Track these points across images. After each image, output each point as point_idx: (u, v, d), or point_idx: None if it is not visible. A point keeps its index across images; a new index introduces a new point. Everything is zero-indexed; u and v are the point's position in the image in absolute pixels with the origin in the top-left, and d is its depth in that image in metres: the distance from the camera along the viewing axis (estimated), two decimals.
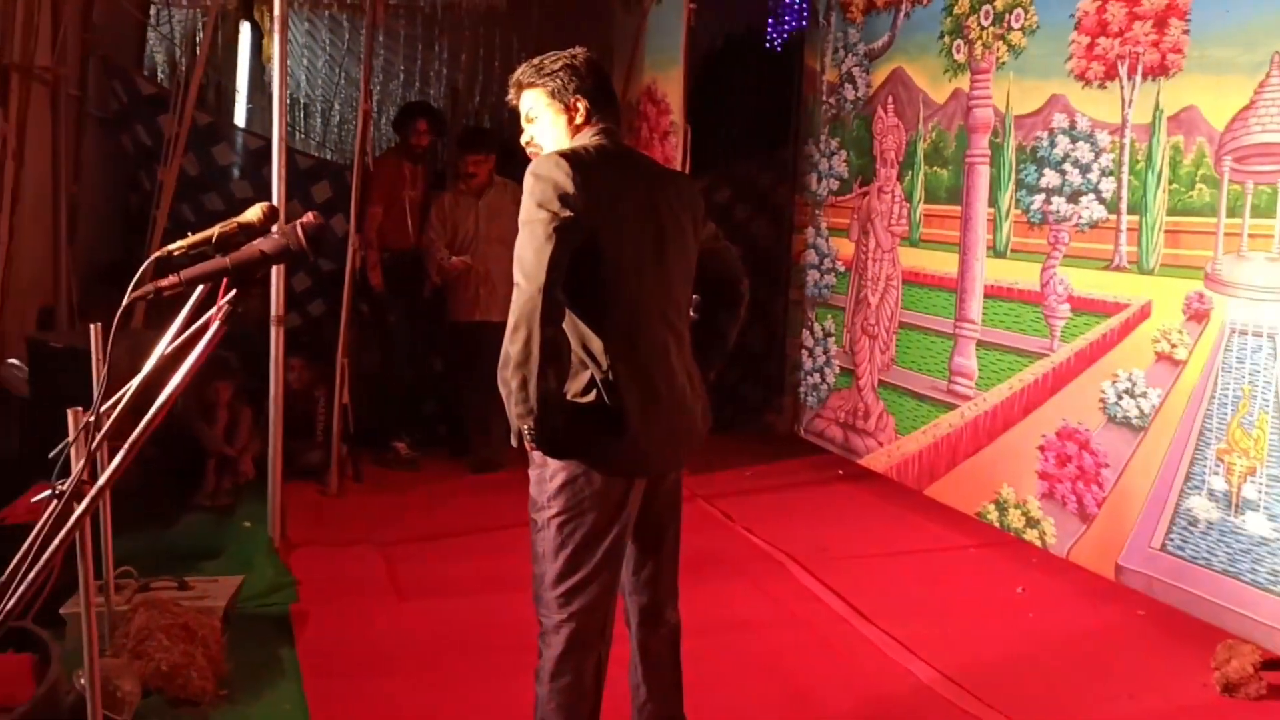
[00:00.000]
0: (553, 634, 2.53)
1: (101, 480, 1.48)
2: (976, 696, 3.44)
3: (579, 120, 2.59)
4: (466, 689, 3.46)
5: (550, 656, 2.53)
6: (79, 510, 1.47)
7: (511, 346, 2.33)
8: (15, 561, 1.59)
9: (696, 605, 3.04)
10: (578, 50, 2.65)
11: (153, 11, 7.07)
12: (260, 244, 1.59)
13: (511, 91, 2.66)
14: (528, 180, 2.40)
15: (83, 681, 2.58)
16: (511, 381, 2.34)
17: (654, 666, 2.78)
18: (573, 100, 2.58)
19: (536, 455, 2.51)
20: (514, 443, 2.42)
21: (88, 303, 5.62)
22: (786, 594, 4.37)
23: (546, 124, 2.61)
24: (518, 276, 2.34)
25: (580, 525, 2.49)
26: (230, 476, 5.27)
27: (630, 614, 2.77)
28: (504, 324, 2.36)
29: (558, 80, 2.58)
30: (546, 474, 2.52)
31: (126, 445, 1.46)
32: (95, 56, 5.98)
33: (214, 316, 1.62)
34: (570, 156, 2.42)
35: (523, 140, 2.68)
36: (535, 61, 2.62)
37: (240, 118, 7.59)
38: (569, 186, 2.35)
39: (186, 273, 1.57)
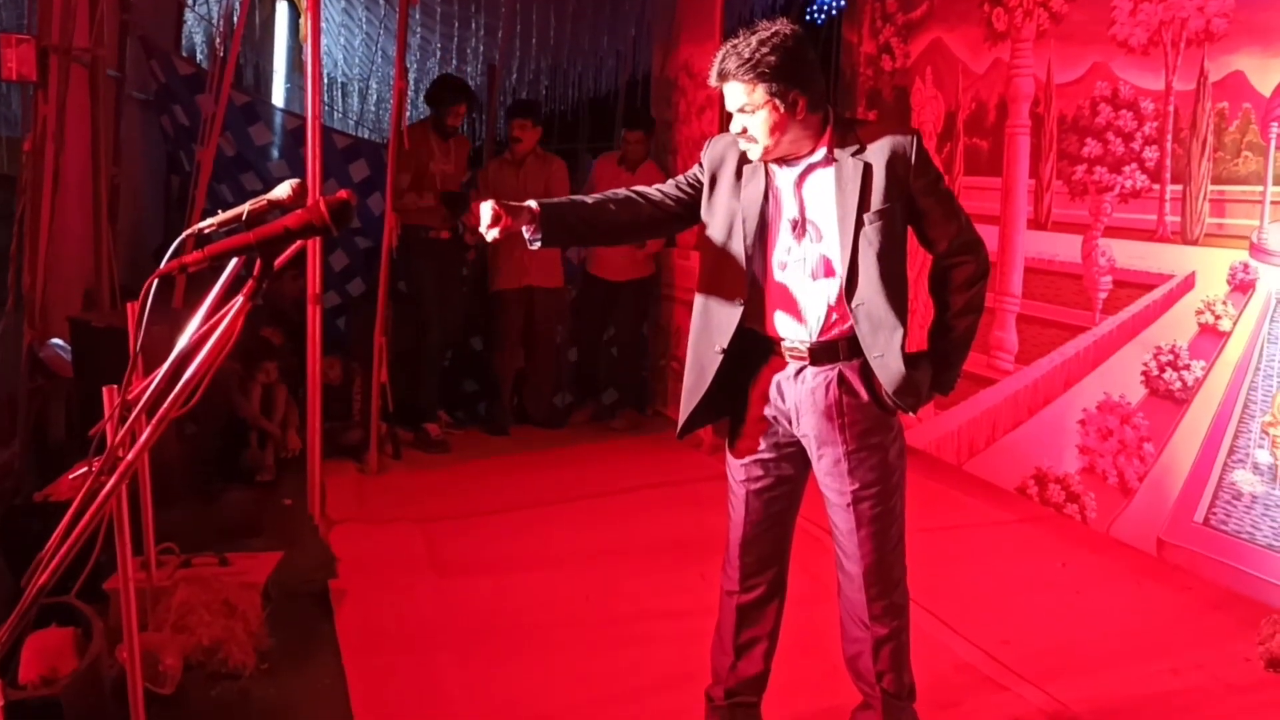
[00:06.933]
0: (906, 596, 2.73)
1: (130, 454, 1.49)
2: (1018, 673, 3.41)
3: (800, 117, 2.46)
4: (504, 666, 3.47)
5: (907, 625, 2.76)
6: (109, 484, 1.48)
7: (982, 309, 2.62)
8: (54, 538, 1.61)
9: None
10: (782, 29, 2.45)
11: None
12: (285, 220, 1.59)
13: (713, 77, 2.50)
14: (927, 154, 2.53)
15: (124, 655, 2.62)
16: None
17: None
18: (791, 96, 2.43)
19: (883, 418, 2.58)
20: (947, 393, 2.65)
21: (131, 284, 5.68)
22: (826, 570, 4.32)
23: (764, 120, 2.47)
24: (980, 248, 2.61)
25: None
26: (273, 452, 5.30)
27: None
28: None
29: (774, 75, 2.41)
30: (892, 435, 2.61)
31: (154, 420, 1.47)
32: (133, 37, 6.01)
33: (243, 292, 1.63)
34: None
35: (732, 129, 2.55)
36: (743, 51, 2.42)
37: (279, 97, 7.63)
38: None
39: (211, 248, 1.57)
